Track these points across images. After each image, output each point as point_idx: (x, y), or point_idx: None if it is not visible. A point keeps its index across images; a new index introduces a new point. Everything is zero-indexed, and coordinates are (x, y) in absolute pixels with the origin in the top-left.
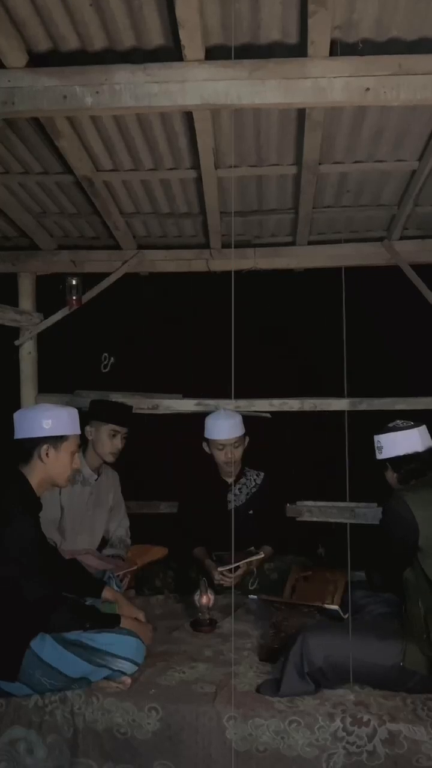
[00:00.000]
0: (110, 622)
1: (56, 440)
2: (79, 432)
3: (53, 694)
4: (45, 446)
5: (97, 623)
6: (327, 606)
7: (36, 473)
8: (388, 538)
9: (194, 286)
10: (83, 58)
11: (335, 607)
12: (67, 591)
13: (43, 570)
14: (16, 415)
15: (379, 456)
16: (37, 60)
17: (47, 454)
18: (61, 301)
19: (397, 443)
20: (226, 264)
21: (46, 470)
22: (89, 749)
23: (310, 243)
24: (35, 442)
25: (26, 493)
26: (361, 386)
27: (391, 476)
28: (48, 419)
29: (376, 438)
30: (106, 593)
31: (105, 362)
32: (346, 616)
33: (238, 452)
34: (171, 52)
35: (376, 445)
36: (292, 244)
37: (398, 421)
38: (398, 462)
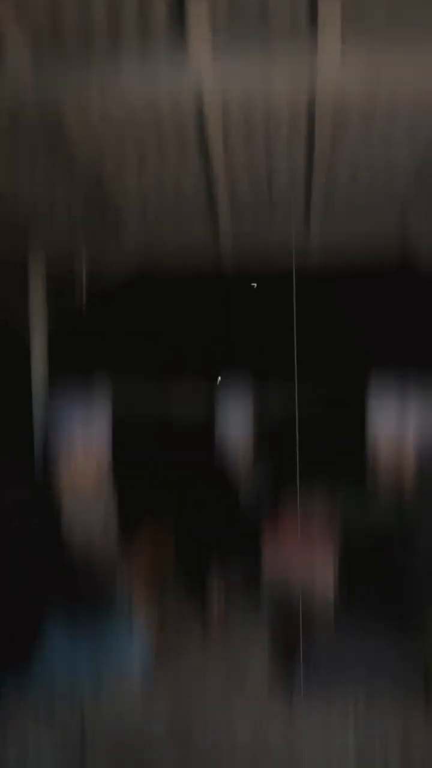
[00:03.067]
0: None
1: None
2: None
3: (60, 691)
4: None
5: (106, 620)
6: None
7: None
8: None
9: (203, 284)
10: (88, 48)
11: None
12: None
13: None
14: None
15: None
16: (41, 51)
17: None
18: (68, 298)
19: None
20: (234, 261)
21: None
22: (96, 748)
23: (321, 237)
24: None
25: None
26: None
27: None
28: None
29: None
30: None
31: None
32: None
33: (247, 446)
34: (177, 42)
35: None
36: (303, 238)
37: None
38: None
